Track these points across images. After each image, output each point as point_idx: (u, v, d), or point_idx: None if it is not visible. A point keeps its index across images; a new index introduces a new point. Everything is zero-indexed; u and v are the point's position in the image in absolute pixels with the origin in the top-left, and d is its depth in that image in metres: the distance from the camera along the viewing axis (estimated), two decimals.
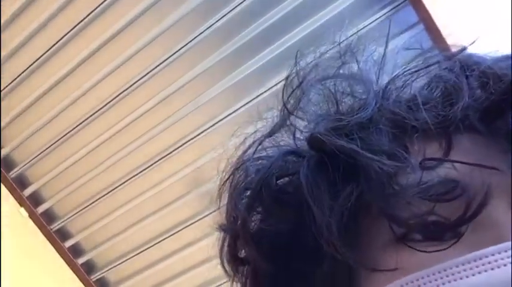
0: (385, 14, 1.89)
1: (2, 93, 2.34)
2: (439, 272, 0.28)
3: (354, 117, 0.34)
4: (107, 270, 2.61)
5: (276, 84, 2.06)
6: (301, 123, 0.38)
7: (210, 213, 2.22)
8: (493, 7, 1.61)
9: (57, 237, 2.56)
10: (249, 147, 0.39)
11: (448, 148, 0.33)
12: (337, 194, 0.32)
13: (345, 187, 0.32)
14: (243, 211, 0.36)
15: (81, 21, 2.14)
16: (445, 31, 1.76)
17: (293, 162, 0.37)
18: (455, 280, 0.27)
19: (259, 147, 0.38)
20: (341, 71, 0.38)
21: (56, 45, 2.21)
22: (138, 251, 2.52)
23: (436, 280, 0.27)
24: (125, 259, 2.56)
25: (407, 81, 0.36)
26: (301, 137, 0.38)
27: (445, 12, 1.78)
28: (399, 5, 1.87)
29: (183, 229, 2.41)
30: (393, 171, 0.31)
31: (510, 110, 0.33)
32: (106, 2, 2.09)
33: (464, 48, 0.39)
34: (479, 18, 1.73)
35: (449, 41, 1.77)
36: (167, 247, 2.47)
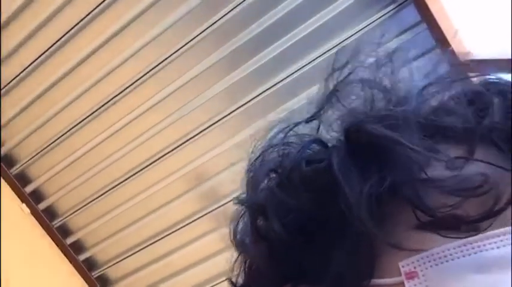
0: (387, 12, 1.88)
1: (2, 91, 2.35)
2: (454, 248, 0.33)
3: (399, 110, 0.37)
4: (108, 267, 2.61)
5: (276, 84, 2.06)
6: (328, 117, 0.41)
7: (211, 211, 2.23)
8: (495, 6, 1.61)
9: (59, 234, 2.56)
10: (279, 132, 0.42)
11: (471, 152, 0.36)
12: (366, 179, 0.35)
13: (374, 174, 0.35)
14: (272, 187, 0.39)
15: (81, 20, 2.14)
16: (447, 30, 1.76)
17: (319, 150, 0.40)
18: (469, 255, 0.32)
19: (289, 133, 0.41)
20: (379, 73, 0.41)
21: (57, 44, 2.21)
22: (139, 248, 2.53)
23: (451, 254, 0.32)
24: (126, 255, 2.56)
25: (439, 90, 0.39)
26: (325, 130, 0.41)
27: (448, 11, 1.78)
28: (402, 3, 1.86)
29: (184, 226, 2.42)
30: (426, 163, 0.35)
31: None
32: (106, 2, 2.09)
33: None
34: (482, 17, 1.73)
35: (451, 39, 1.77)
36: (168, 245, 2.48)
